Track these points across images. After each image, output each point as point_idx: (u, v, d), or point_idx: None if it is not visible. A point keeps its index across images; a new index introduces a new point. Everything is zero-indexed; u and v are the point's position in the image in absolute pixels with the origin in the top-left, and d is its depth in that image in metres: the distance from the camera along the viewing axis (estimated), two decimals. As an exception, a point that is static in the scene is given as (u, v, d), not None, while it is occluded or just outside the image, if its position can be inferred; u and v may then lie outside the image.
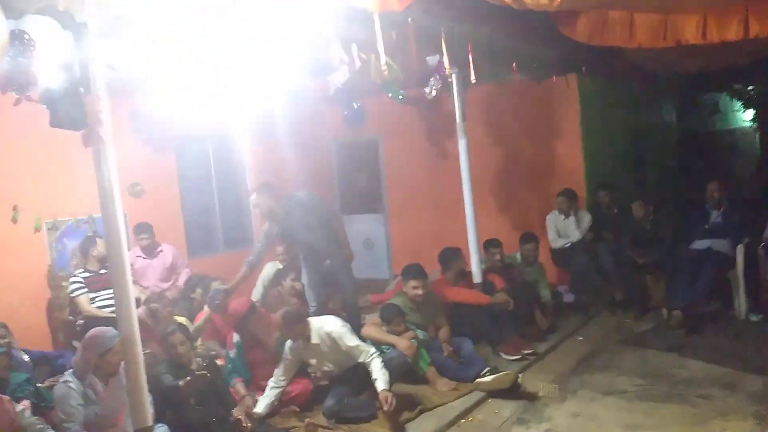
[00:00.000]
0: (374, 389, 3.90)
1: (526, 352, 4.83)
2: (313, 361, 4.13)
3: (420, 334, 4.54)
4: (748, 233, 5.59)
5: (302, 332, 4.03)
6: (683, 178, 9.01)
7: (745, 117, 10.95)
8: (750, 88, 10.20)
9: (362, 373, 3.92)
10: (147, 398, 2.66)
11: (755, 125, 10.65)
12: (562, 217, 6.23)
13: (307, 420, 3.78)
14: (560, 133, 6.72)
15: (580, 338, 5.32)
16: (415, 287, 4.67)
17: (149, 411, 2.67)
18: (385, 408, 3.70)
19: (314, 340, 4.03)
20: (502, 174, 7.01)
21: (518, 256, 5.78)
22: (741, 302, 5.50)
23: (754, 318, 5.38)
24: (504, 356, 4.78)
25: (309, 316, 4.23)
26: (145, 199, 5.93)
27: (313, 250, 5.03)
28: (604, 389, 4.22)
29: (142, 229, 5.50)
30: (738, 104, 10.56)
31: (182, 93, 4.69)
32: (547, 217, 6.40)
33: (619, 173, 7.20)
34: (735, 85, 10.17)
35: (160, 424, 3.21)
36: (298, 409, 4.03)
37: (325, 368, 4.13)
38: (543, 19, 5.00)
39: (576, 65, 6.29)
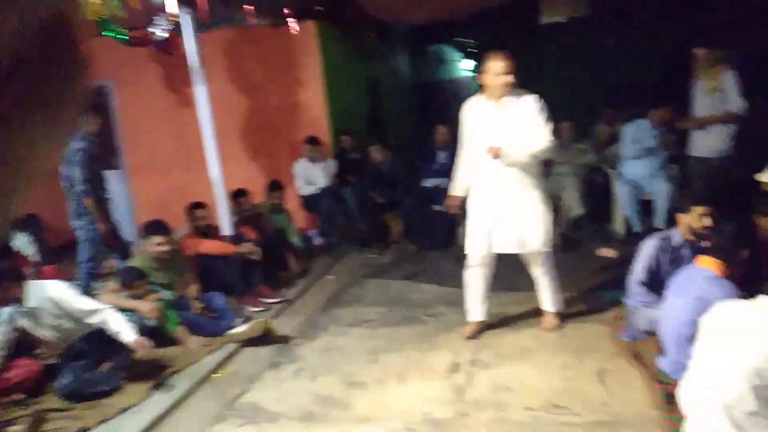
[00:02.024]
0: (116, 359, 3.62)
1: (270, 301, 4.90)
2: (27, 325, 3.62)
3: (166, 294, 4.32)
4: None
5: (14, 294, 3.52)
6: (416, 123, 9.86)
7: (465, 66, 12.32)
8: (470, 40, 11.47)
9: (98, 342, 3.59)
10: None
11: (474, 74, 12.04)
12: (310, 164, 6.38)
13: (34, 408, 3.34)
14: (303, 80, 6.78)
15: (330, 277, 5.59)
16: (159, 243, 4.39)
17: None
18: (143, 352, 3.56)
19: (31, 303, 3.55)
20: (248, 122, 6.87)
21: (266, 204, 5.78)
22: (461, 232, 6.30)
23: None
24: (248, 308, 4.80)
25: (25, 278, 3.69)
26: None
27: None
28: (351, 321, 4.51)
29: None
30: (460, 55, 11.79)
31: None
32: (296, 164, 6.49)
33: (360, 119, 7.58)
34: (457, 38, 11.35)
35: None
36: (24, 396, 3.54)
37: (46, 336, 3.66)
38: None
39: (313, 12, 6.36)
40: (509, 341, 3.90)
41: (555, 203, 6.07)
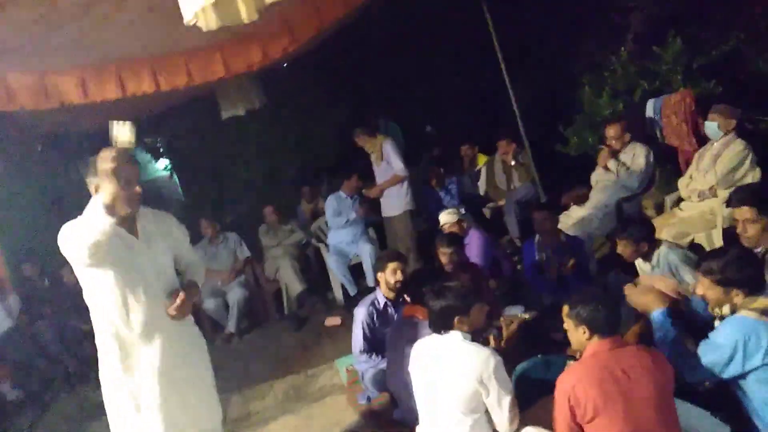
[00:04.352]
0: None
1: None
2: None
3: None
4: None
5: None
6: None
7: (159, 166, 11.90)
8: (158, 139, 11.14)
9: None
10: None
11: (170, 173, 11.68)
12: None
13: None
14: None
15: (36, 435, 4.69)
16: None
17: None
18: None
19: None
20: None
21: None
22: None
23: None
24: None
25: None
26: None
27: None
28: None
29: None
30: (151, 156, 11.36)
31: None
32: (-34, 311, 5.38)
33: (45, 241, 6.66)
34: (146, 139, 10.93)
35: None
36: None
37: None
38: None
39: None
40: (256, 440, 3.73)
41: (276, 286, 6.18)
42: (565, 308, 2.44)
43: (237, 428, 3.95)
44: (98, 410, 4.86)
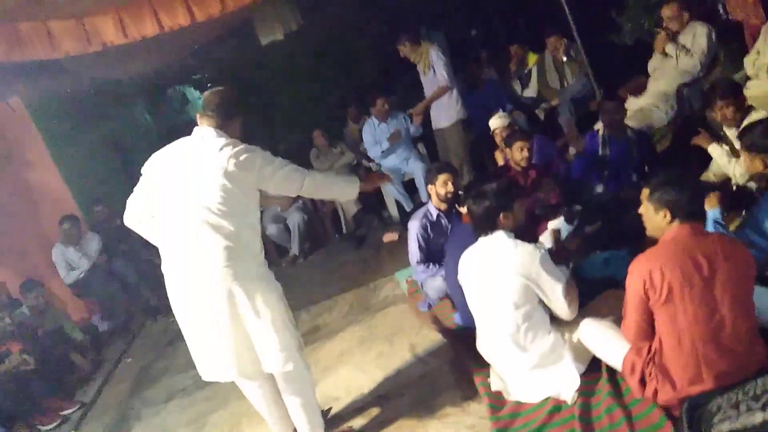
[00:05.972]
0: None
1: (65, 412, 4.34)
2: None
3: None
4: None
5: None
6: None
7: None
8: (205, 74, 11.20)
9: None
10: None
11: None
12: (65, 247, 5.72)
13: None
14: (27, 161, 6.04)
15: (129, 360, 5.10)
16: None
17: None
18: None
19: None
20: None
21: (25, 308, 5.07)
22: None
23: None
24: (42, 428, 4.19)
25: None
26: None
27: None
28: (165, 397, 4.18)
29: None
30: (197, 93, 11.48)
31: None
32: (53, 252, 5.78)
33: (111, 182, 6.99)
34: (194, 76, 11.01)
35: None
36: None
37: None
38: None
39: (10, 90, 5.70)
40: (326, 351, 3.92)
41: (332, 207, 6.28)
42: (645, 191, 2.29)
43: (307, 341, 4.12)
44: (180, 334, 5.27)
